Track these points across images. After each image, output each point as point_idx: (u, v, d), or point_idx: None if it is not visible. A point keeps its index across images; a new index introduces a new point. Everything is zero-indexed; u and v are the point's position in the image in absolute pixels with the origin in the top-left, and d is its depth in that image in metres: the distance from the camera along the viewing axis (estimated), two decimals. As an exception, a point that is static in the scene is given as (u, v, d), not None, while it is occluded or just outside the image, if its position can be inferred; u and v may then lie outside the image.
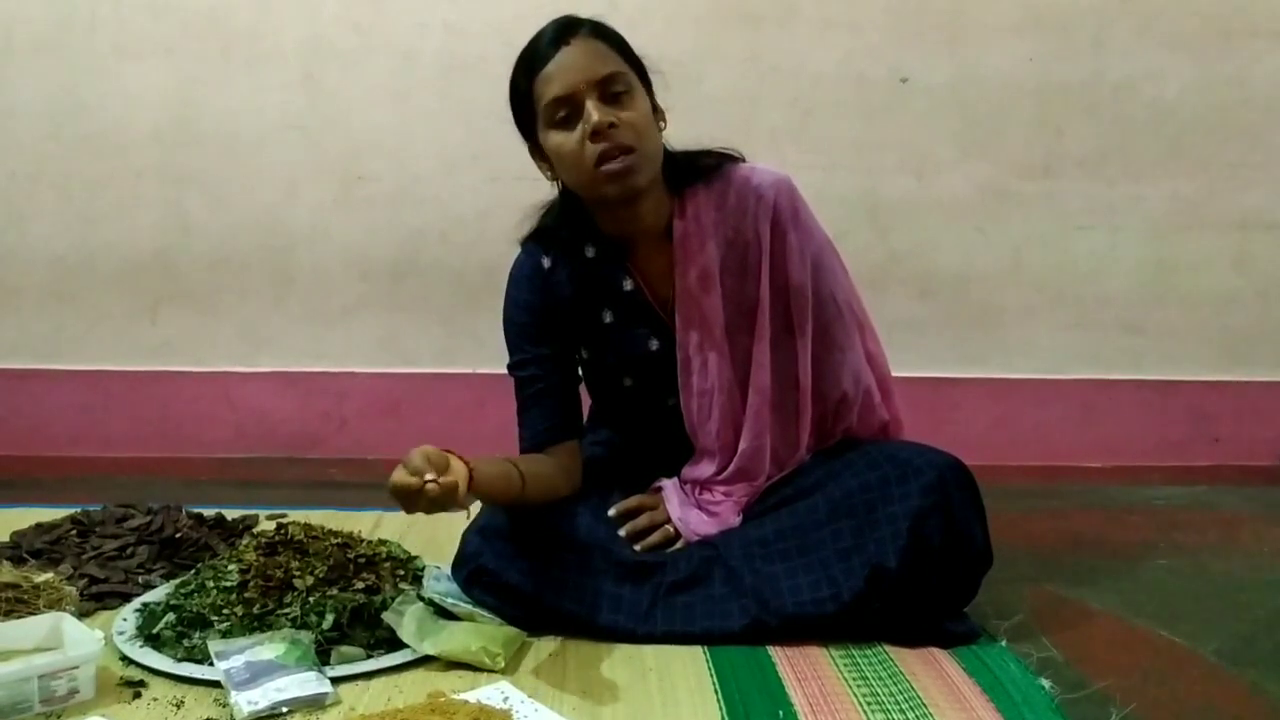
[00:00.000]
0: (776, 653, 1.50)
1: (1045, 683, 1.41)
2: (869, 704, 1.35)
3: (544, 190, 1.71)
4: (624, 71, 1.56)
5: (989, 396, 2.74)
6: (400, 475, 1.32)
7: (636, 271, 1.68)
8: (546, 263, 1.68)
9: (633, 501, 1.70)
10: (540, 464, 1.63)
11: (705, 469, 1.69)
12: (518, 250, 1.72)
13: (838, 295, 1.68)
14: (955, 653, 1.50)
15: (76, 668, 1.32)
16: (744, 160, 1.69)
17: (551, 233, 1.69)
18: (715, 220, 1.64)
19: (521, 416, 1.69)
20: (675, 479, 1.72)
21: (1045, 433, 2.75)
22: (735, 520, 1.66)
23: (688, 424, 1.69)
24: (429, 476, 1.30)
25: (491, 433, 2.37)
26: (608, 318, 1.69)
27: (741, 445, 1.66)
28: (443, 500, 1.31)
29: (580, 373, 1.75)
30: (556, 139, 1.56)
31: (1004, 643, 1.54)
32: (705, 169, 1.65)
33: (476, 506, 1.58)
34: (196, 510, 2.03)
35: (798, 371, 1.65)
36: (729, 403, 1.66)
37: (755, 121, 2.66)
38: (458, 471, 1.37)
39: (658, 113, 1.61)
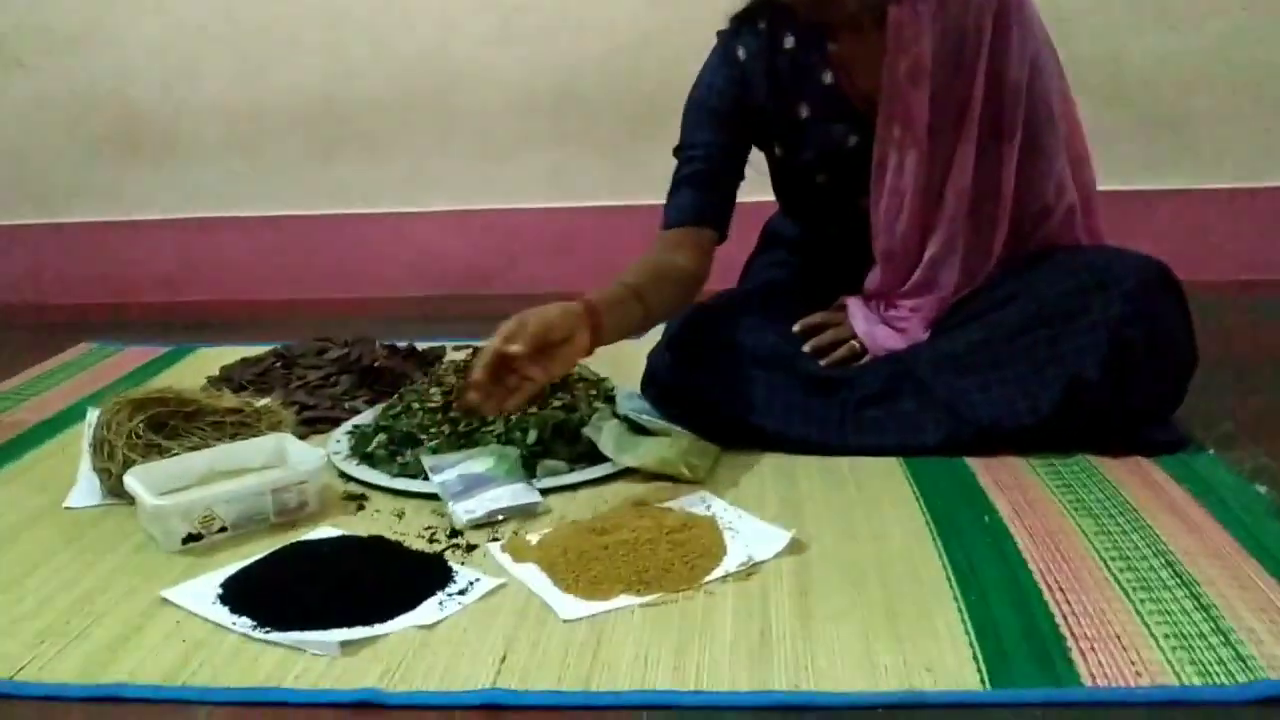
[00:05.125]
0: (975, 463, 1.48)
1: (1261, 488, 1.36)
2: (1075, 509, 1.33)
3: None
4: None
5: (1181, 207, 2.59)
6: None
7: (838, 63, 1.61)
8: (741, 54, 1.64)
9: (817, 317, 1.69)
10: (663, 278, 1.59)
11: (886, 277, 1.64)
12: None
13: (1052, 100, 1.57)
14: (1161, 461, 1.46)
15: (305, 482, 1.40)
16: None
17: (750, 21, 1.64)
18: (934, 10, 1.53)
19: (671, 195, 1.67)
20: (859, 296, 1.69)
21: (1241, 245, 2.59)
22: (923, 335, 1.63)
23: (874, 223, 1.62)
24: (515, 348, 1.33)
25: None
26: (804, 113, 1.63)
27: (929, 252, 1.60)
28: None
29: (769, 172, 1.72)
30: None
31: (1211, 451, 1.49)
32: None
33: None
34: (388, 343, 2.09)
35: (1001, 177, 1.56)
36: (922, 206, 1.59)
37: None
38: (579, 345, 1.40)
39: None
